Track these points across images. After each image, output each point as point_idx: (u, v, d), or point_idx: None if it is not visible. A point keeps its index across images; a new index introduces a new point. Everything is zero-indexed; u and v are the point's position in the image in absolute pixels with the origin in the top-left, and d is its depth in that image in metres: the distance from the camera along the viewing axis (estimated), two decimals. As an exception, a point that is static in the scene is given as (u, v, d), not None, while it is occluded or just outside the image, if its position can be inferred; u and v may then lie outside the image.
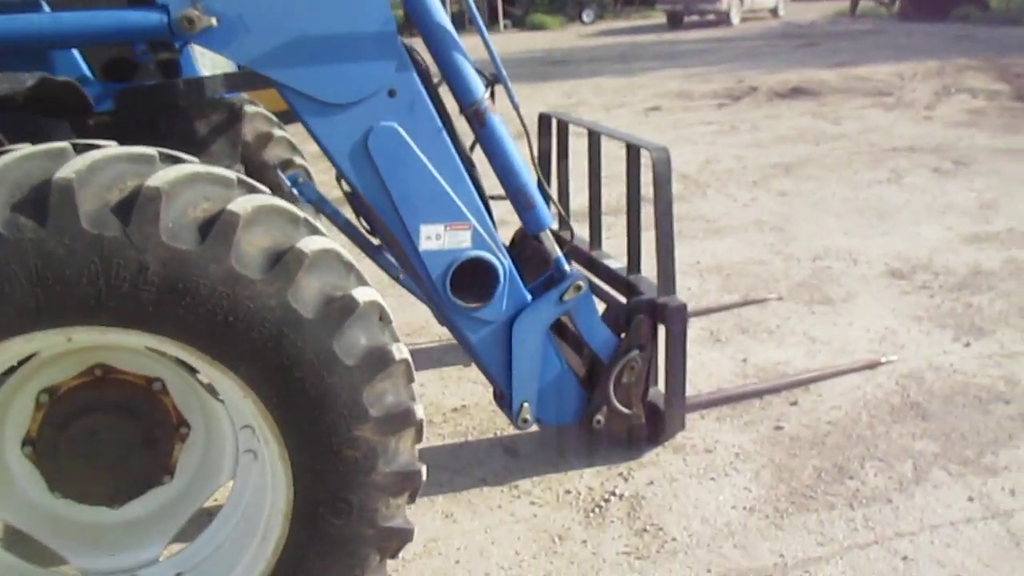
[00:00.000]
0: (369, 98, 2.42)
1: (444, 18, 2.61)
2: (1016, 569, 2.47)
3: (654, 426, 3.18)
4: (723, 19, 23.73)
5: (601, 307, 3.17)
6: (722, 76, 11.68)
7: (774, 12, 25.58)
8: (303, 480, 1.96)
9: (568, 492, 2.99)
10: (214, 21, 2.17)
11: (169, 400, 2.13)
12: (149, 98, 2.58)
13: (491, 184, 2.76)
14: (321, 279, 1.91)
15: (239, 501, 2.24)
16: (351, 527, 2.01)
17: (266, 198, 1.93)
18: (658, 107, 10.15)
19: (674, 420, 3.18)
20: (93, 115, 2.55)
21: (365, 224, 3.04)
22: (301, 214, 2.01)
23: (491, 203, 2.97)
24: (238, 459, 2.25)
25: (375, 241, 3.25)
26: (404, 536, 2.11)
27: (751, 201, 6.19)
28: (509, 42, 21.10)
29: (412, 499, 2.17)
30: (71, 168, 1.74)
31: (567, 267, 2.89)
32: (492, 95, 2.80)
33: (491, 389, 3.06)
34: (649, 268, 3.14)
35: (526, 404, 2.91)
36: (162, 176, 1.77)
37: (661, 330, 3.09)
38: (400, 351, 2.04)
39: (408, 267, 2.80)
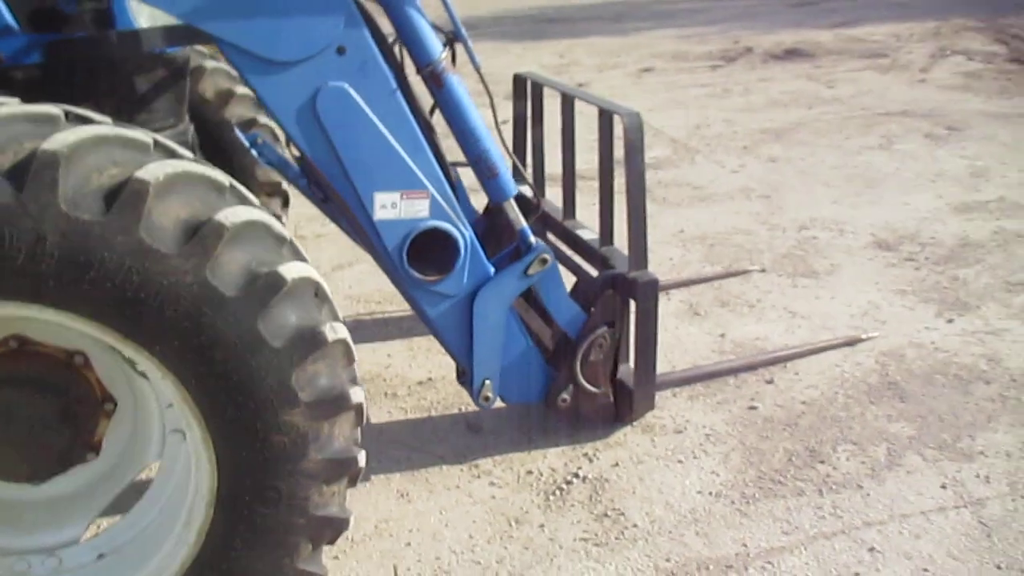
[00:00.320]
0: (316, 56, 2.26)
1: (396, -29, 2.44)
2: (985, 562, 2.36)
3: (623, 405, 3.06)
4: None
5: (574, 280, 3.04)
6: (717, 37, 11.37)
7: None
8: (227, 466, 1.84)
9: (530, 473, 2.88)
10: None
11: (92, 375, 2.00)
12: (79, 51, 2.41)
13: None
14: (246, 253, 1.76)
15: (166, 483, 2.11)
16: (280, 516, 1.88)
17: (184, 163, 1.77)
18: (651, 68, 9.90)
19: (643, 400, 3.06)
20: (21, 68, 2.38)
21: (318, 192, 2.89)
22: (227, 181, 1.86)
23: (460, 170, 2.83)
24: (165, 438, 2.12)
25: None
26: (339, 525, 1.99)
27: (739, 168, 6.02)
28: (503, -1, 20.63)
29: (352, 484, 2.05)
30: (-39, 128, 1.58)
31: (532, 239, 2.75)
32: (453, 56, 2.64)
33: (458, 363, 2.94)
34: (625, 239, 2.98)
35: (488, 382, 2.79)
36: (62, 139, 1.61)
37: (633, 305, 2.96)
38: (336, 331, 1.90)
39: (363, 237, 2.65)
